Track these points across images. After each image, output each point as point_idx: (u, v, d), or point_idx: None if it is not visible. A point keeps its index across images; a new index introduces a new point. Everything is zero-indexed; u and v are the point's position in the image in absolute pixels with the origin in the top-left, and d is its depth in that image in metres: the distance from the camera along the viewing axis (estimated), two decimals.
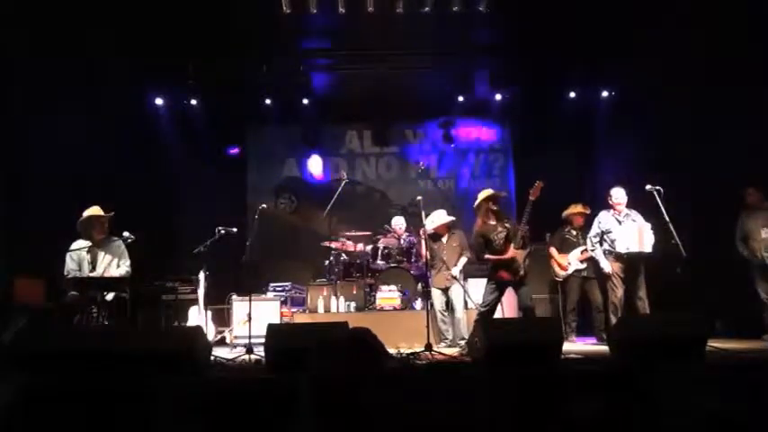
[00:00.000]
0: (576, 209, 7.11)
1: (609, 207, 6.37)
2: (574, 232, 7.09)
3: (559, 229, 7.25)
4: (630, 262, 6.13)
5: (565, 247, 7.10)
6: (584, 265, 6.95)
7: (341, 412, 1.93)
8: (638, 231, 6.10)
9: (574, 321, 6.95)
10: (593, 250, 6.46)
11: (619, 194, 6.31)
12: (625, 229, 6.18)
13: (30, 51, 6.56)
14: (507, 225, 5.57)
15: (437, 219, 6.62)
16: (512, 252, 5.45)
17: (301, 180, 9.82)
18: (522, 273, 5.47)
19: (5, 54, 6.39)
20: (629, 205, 6.31)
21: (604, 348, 5.04)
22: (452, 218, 6.72)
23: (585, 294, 6.96)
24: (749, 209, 6.46)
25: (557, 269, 7.14)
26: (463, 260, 6.57)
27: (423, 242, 6.42)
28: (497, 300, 5.59)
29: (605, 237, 6.32)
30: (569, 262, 7.02)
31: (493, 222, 5.58)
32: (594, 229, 6.43)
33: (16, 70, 6.60)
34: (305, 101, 8.94)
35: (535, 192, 5.42)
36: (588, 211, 7.00)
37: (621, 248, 6.12)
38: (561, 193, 7.18)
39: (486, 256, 5.58)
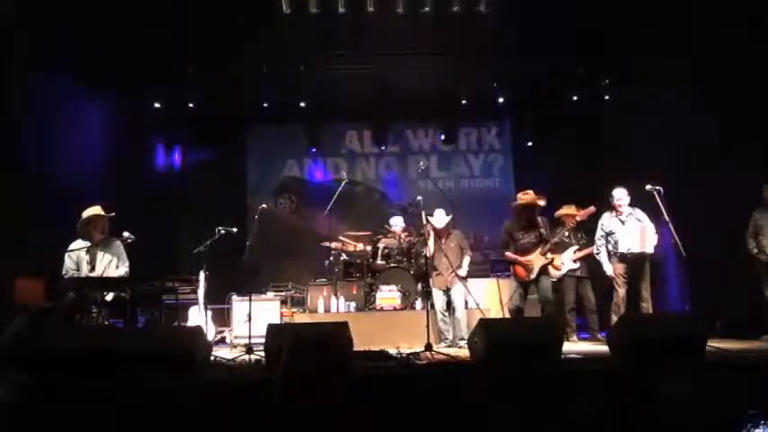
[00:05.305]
0: (570, 210, 6.96)
1: (611, 208, 6.36)
2: (566, 233, 6.92)
3: (552, 230, 7.19)
4: (633, 262, 6.13)
5: (558, 248, 6.97)
6: (578, 265, 6.96)
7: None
8: (640, 231, 6.10)
9: (574, 321, 6.94)
10: (597, 253, 6.46)
11: (620, 195, 6.29)
12: (628, 230, 6.17)
13: (30, 51, 6.56)
14: (541, 231, 5.94)
15: (435, 218, 6.60)
16: (534, 257, 5.92)
17: (301, 180, 9.84)
18: (534, 275, 5.91)
19: (6, 54, 6.39)
20: (633, 205, 6.28)
21: (604, 348, 5.04)
22: (449, 217, 6.67)
23: (580, 294, 6.97)
24: (764, 205, 6.40)
25: (550, 270, 7.09)
26: (467, 260, 6.60)
27: (428, 239, 6.51)
28: (522, 296, 6.04)
29: (609, 238, 6.33)
30: (562, 262, 7.01)
31: (524, 225, 5.97)
32: (599, 232, 6.42)
33: (16, 70, 6.59)
34: (302, 104, 8.93)
35: (583, 215, 6.04)
36: (579, 213, 6.84)
37: (623, 249, 6.13)
38: (561, 194, 7.18)
39: (507, 253, 6.08)
